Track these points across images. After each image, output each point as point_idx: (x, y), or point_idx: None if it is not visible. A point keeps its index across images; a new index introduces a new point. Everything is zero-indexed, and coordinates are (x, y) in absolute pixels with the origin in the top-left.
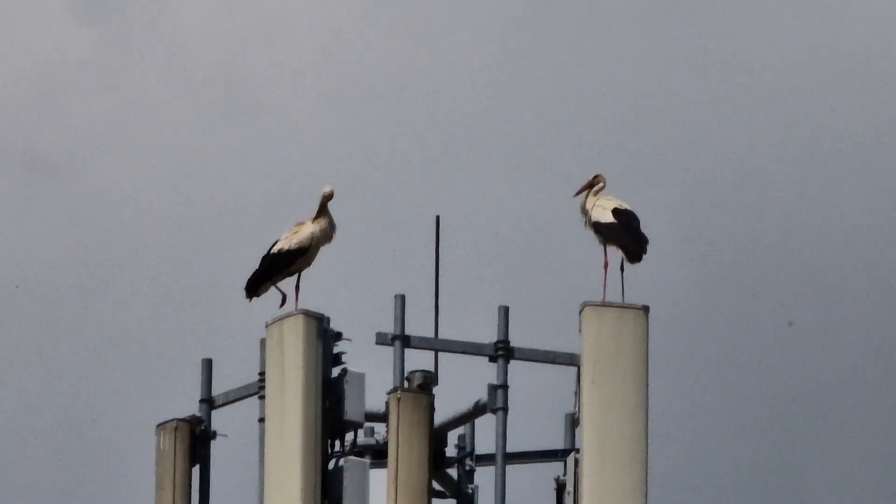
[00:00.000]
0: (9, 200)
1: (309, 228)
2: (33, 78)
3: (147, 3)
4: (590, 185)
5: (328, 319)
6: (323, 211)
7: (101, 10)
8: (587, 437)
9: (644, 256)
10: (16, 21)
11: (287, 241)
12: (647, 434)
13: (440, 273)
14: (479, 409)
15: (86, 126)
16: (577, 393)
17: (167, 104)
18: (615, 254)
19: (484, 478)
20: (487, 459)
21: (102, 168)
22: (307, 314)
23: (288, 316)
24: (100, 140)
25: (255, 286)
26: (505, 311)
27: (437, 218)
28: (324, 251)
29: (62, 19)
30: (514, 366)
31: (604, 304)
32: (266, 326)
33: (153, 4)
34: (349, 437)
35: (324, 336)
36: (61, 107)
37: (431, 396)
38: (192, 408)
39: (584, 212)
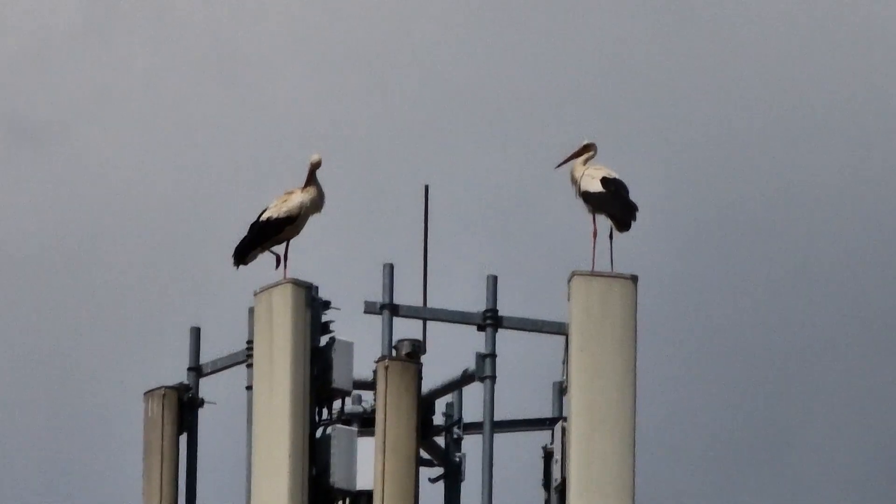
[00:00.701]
0: None
1: (298, 197)
2: (19, 46)
3: None
4: (578, 154)
5: (316, 288)
6: (312, 179)
7: None
8: (575, 405)
9: (633, 224)
10: None
11: (276, 209)
12: (635, 403)
13: (429, 242)
14: (466, 378)
15: (73, 94)
16: (565, 362)
17: (154, 72)
18: (604, 223)
19: (471, 446)
20: (475, 428)
21: (89, 136)
22: (295, 283)
23: (276, 284)
24: (87, 108)
25: (244, 254)
26: (493, 280)
27: (426, 187)
28: (312, 220)
29: None
30: (503, 334)
31: (592, 274)
32: (254, 295)
33: None
34: (337, 405)
35: (312, 305)
36: (48, 75)
37: (419, 365)
38: (180, 375)
39: (574, 181)
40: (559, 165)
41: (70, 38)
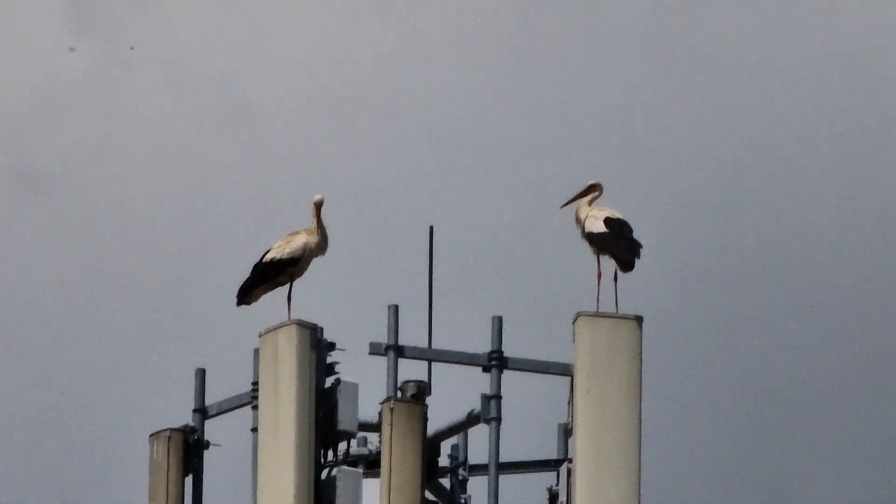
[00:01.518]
0: (1, 216)
1: (302, 238)
2: (26, 93)
3: (140, 20)
4: (584, 194)
5: (321, 329)
6: (318, 221)
7: (94, 26)
8: (580, 446)
9: (637, 263)
10: (9, 36)
11: (279, 251)
12: (640, 444)
13: (434, 283)
14: (472, 420)
15: (78, 141)
16: (571, 403)
17: (160, 119)
18: (608, 264)
19: (477, 488)
20: (480, 469)
21: (95, 183)
22: (300, 324)
23: (281, 326)
24: (92, 155)
25: (246, 294)
26: (498, 322)
27: (431, 228)
28: (317, 261)
29: (56, 35)
30: (508, 376)
31: (597, 315)
32: (259, 336)
33: (146, 21)
34: (342, 446)
35: (317, 346)
36: (54, 122)
37: (425, 406)
38: (185, 417)
39: (579, 221)
40: (564, 205)
41: (76, 86)
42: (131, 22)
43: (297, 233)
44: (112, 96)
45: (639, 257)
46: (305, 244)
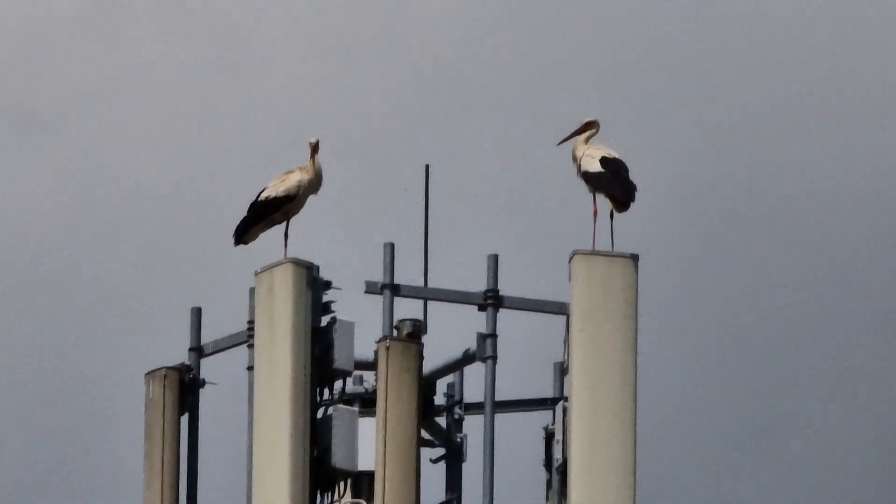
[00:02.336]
0: None
1: (297, 176)
2: (23, 33)
3: None
4: (580, 131)
5: (317, 268)
6: (312, 159)
7: None
8: (576, 385)
9: (632, 205)
10: None
11: (274, 189)
12: (635, 383)
13: (430, 222)
14: (468, 358)
15: (75, 81)
16: (567, 341)
17: (156, 57)
18: (604, 202)
19: (473, 426)
20: (476, 408)
21: (91, 121)
22: (296, 263)
23: (277, 264)
24: (89, 94)
25: (243, 232)
26: (494, 260)
27: (427, 167)
28: (313, 200)
29: None
30: (504, 314)
31: (593, 253)
32: (255, 275)
33: None
34: (338, 385)
35: (313, 284)
36: (52, 62)
37: (420, 345)
38: (181, 356)
39: (575, 159)
40: (561, 143)
41: (74, 25)
42: None
43: (292, 171)
44: (108, 35)
45: (633, 199)
46: (300, 181)
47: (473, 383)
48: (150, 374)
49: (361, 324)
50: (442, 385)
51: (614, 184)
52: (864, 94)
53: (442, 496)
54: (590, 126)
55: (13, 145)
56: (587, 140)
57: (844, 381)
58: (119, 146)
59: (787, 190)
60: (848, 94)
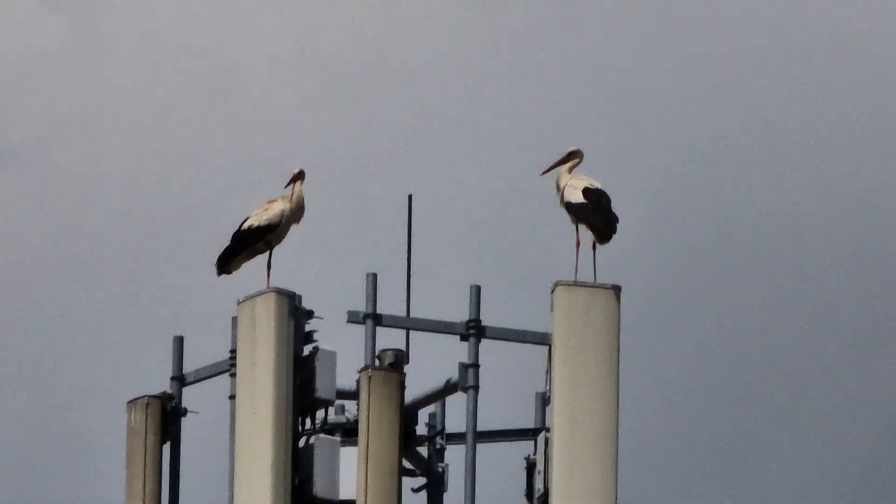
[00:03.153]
0: None
1: (279, 206)
2: (3, 67)
3: None
4: (563, 161)
5: (300, 297)
6: (294, 189)
7: (69, 1)
8: (558, 415)
9: (614, 237)
10: None
11: (257, 218)
12: (617, 413)
13: (412, 251)
14: (450, 388)
15: (56, 112)
16: (548, 372)
17: (137, 90)
18: (586, 233)
19: (454, 456)
20: (458, 438)
21: (72, 155)
22: (279, 292)
23: (259, 294)
24: (70, 126)
25: (226, 262)
26: (477, 290)
27: (410, 196)
28: (295, 229)
29: (33, 5)
30: (486, 344)
31: (575, 284)
32: (238, 304)
33: None
34: (320, 414)
35: (295, 314)
36: (31, 94)
37: (402, 375)
38: (163, 385)
39: (559, 189)
40: (545, 172)
41: (54, 57)
42: None
43: (274, 200)
44: (89, 67)
45: (615, 231)
46: (282, 211)
47: (455, 413)
48: (131, 403)
49: (343, 353)
50: (424, 415)
51: (596, 215)
52: (846, 122)
53: None
54: (573, 156)
55: None
56: (570, 170)
57: (826, 406)
58: (99, 176)
59: (770, 221)
60: (838, 119)
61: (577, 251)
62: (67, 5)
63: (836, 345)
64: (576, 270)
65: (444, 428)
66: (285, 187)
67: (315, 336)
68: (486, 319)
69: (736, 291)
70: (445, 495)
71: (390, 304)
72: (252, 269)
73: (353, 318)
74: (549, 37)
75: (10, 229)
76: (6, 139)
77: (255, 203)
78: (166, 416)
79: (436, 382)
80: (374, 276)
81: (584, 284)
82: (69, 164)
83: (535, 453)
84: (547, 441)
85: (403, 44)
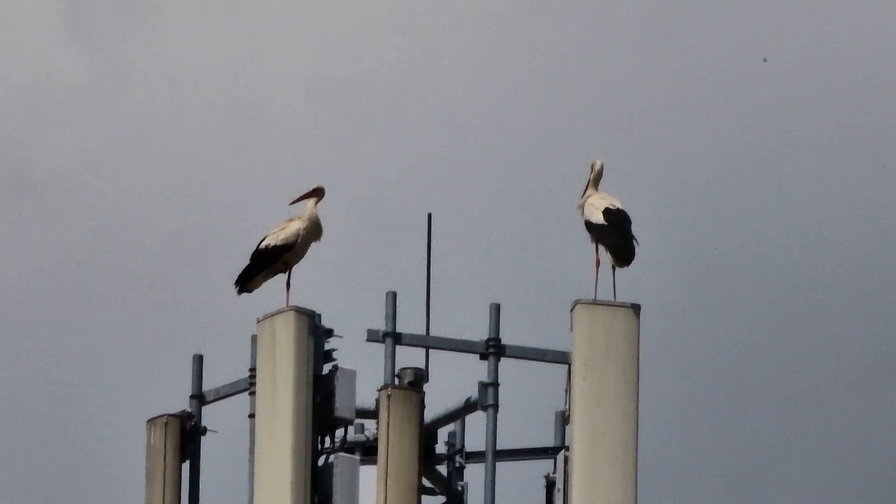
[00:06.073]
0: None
1: (295, 225)
2: (24, 98)
3: (139, 24)
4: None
5: (319, 316)
6: (307, 207)
7: (93, 31)
8: (577, 434)
9: (633, 262)
10: (5, 39)
11: (274, 237)
12: (637, 432)
13: (432, 270)
14: (469, 407)
15: (77, 144)
16: (568, 390)
17: (158, 123)
18: (606, 254)
19: (474, 475)
20: (477, 457)
21: (92, 189)
22: (298, 311)
23: (279, 312)
24: (89, 161)
25: (245, 281)
26: (496, 309)
27: (430, 215)
28: (315, 247)
29: (55, 39)
30: (505, 363)
31: (595, 303)
32: (257, 322)
33: (145, 25)
34: (339, 433)
35: (315, 332)
36: (50, 127)
37: (422, 393)
38: (182, 403)
39: (580, 205)
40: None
41: (74, 91)
42: (128, 25)
43: (292, 219)
44: (109, 98)
45: (634, 256)
46: (298, 231)
47: (475, 432)
48: (151, 421)
49: (363, 372)
50: (443, 433)
51: (616, 238)
52: (867, 141)
53: None
54: (593, 167)
55: (14, 207)
56: (596, 184)
57: (849, 428)
58: (119, 194)
59: (791, 244)
60: (851, 143)
61: (597, 270)
62: (89, 36)
63: (858, 359)
64: (595, 289)
65: (463, 446)
66: (292, 202)
67: (335, 355)
68: (506, 338)
69: (755, 311)
70: None
71: (410, 322)
72: (272, 288)
73: (373, 336)
74: (568, 56)
75: (32, 253)
76: (30, 169)
77: (274, 222)
78: (186, 435)
79: (455, 401)
80: (394, 294)
81: (603, 303)
82: (88, 199)
83: (554, 472)
84: (566, 460)
85: (423, 65)
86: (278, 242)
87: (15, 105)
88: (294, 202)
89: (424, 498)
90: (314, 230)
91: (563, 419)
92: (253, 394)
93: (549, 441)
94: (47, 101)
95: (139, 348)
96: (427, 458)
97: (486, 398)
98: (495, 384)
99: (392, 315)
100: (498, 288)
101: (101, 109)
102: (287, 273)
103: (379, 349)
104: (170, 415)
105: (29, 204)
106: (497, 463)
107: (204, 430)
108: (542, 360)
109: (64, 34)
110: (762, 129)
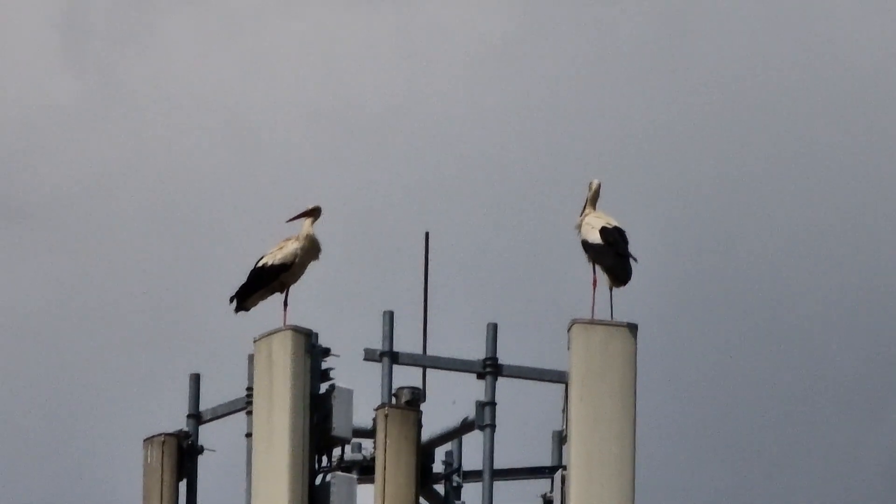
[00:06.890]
0: None
1: (293, 245)
2: (20, 124)
3: (135, 50)
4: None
5: (316, 335)
6: (303, 226)
7: (88, 56)
8: (574, 454)
9: (629, 281)
10: (2, 66)
11: (271, 257)
12: (634, 451)
13: (429, 289)
14: (466, 426)
15: (72, 170)
16: (565, 410)
17: (156, 146)
18: (603, 274)
19: (471, 494)
20: (475, 476)
21: (89, 209)
22: (295, 330)
23: (276, 331)
24: (87, 186)
25: (243, 299)
26: (493, 328)
27: (427, 234)
28: (313, 266)
29: (50, 65)
30: (502, 383)
31: (592, 322)
32: (254, 342)
33: (141, 51)
34: (336, 452)
35: (312, 352)
36: (48, 151)
37: (419, 413)
38: (179, 422)
39: (578, 226)
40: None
41: (67, 117)
42: (124, 51)
43: (289, 239)
44: (105, 124)
45: (630, 277)
46: (295, 251)
47: (472, 451)
48: (148, 441)
49: (360, 391)
50: (440, 453)
51: (612, 259)
52: (863, 158)
53: None
54: (591, 186)
55: (8, 235)
56: (594, 203)
57: (846, 448)
58: (115, 217)
59: (791, 262)
60: (851, 159)
61: (594, 290)
62: (84, 61)
63: (857, 378)
64: (592, 309)
65: (460, 466)
66: (290, 220)
67: (332, 374)
68: (503, 357)
69: (751, 331)
70: None
71: (407, 342)
72: (269, 307)
73: (370, 355)
74: (565, 78)
75: (29, 275)
76: (25, 194)
77: (271, 241)
78: (182, 454)
79: (452, 420)
80: (391, 314)
81: (600, 323)
82: (87, 219)
83: (551, 491)
84: (564, 479)
85: (420, 85)
86: (276, 262)
87: (10, 130)
88: (291, 220)
89: None
90: (312, 250)
91: (561, 439)
92: (250, 413)
93: (546, 460)
94: (43, 127)
95: (136, 368)
96: (424, 477)
97: (484, 417)
98: (492, 403)
99: (389, 334)
100: (495, 307)
101: (97, 135)
102: (284, 292)
103: (376, 368)
104: (167, 434)
105: (25, 228)
106: (494, 482)
107: (201, 449)
108: (539, 380)
109: (60, 59)
110: (759, 149)
